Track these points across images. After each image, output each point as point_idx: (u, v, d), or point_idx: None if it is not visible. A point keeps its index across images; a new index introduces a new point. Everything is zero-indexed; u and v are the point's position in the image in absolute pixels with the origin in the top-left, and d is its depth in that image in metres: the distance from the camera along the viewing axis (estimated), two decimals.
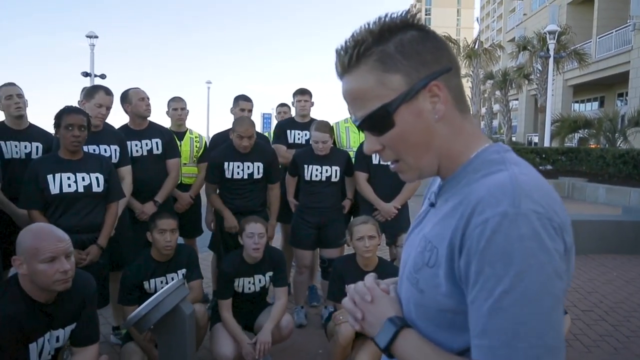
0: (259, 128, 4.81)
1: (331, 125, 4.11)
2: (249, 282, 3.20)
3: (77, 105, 3.24)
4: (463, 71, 27.45)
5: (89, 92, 3.40)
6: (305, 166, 3.88)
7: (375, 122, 0.85)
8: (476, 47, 25.08)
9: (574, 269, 0.83)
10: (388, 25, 0.83)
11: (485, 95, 36.63)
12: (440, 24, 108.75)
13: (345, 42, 0.85)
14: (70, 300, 2.05)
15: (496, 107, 34.99)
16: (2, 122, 3.40)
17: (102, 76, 20.56)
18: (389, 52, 0.82)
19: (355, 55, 0.83)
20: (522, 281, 0.71)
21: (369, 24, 0.84)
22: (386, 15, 0.84)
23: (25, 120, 3.45)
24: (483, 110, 33.95)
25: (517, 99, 36.60)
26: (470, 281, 0.75)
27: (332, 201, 3.93)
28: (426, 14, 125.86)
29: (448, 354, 0.82)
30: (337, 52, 0.87)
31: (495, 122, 41.93)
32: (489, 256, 0.73)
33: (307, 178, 3.87)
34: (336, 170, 3.86)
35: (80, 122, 2.87)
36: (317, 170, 3.86)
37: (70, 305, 2.06)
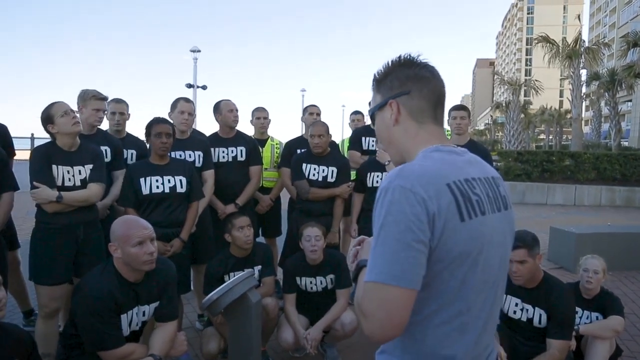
0: (349, 133, 5.08)
1: None
2: (311, 282, 3.44)
3: (167, 117, 3.69)
4: (565, 72, 25.65)
5: (173, 104, 3.87)
6: (368, 174, 4.06)
7: (372, 120, 1.36)
8: (577, 46, 23.37)
9: (486, 228, 1.15)
10: (395, 64, 1.29)
11: (592, 97, 34.02)
12: (544, 22, 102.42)
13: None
14: (154, 282, 2.46)
15: (606, 110, 32.36)
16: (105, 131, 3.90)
17: (204, 87, 22.04)
18: (380, 80, 1.31)
19: (373, 86, 1.34)
20: (383, 230, 1.08)
21: (386, 64, 1.31)
22: (397, 58, 1.30)
23: (123, 132, 3.96)
24: (589, 113, 31.56)
25: (630, 100, 33.57)
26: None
27: None
28: (529, 13, 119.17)
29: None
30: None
31: (606, 126, 38.78)
32: (374, 215, 1.12)
33: (369, 184, 4.04)
34: None
35: (167, 130, 3.30)
36: (377, 176, 4.01)
37: (153, 285, 2.46)
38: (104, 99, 3.56)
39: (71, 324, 2.33)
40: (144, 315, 2.45)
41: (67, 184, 2.97)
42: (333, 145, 4.56)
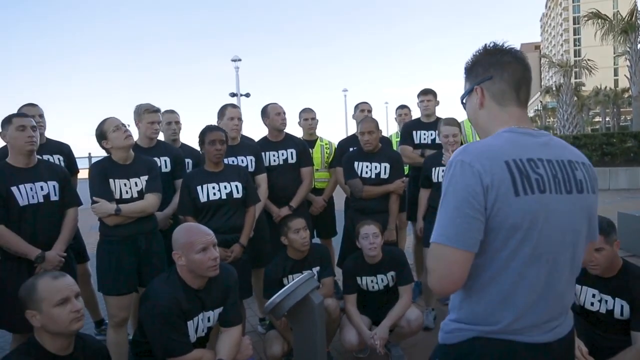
0: (396, 130, 4.98)
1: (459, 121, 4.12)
2: (372, 281, 3.38)
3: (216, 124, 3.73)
4: (620, 49, 24.29)
5: (220, 112, 3.93)
6: (433, 169, 3.95)
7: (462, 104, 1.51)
8: (634, 19, 22.00)
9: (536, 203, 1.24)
10: (480, 53, 1.42)
11: None
12: None
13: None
14: (217, 288, 2.47)
15: None
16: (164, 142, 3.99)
17: (247, 95, 22.40)
18: (469, 69, 1.45)
19: (464, 74, 1.49)
20: (445, 199, 1.27)
21: (475, 53, 1.45)
22: (483, 47, 1.43)
23: (179, 141, 4.06)
24: None
25: None
26: None
27: None
28: None
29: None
30: None
31: None
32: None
33: (435, 180, 3.93)
34: None
35: (220, 137, 3.33)
36: (443, 171, 3.87)
37: (217, 291, 2.47)
38: (157, 110, 3.64)
39: (140, 332, 2.38)
40: (209, 321, 2.47)
41: (124, 196, 3.05)
42: (384, 140, 4.46)
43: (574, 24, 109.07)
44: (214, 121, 3.89)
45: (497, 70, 1.37)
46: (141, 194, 3.10)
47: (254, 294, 3.76)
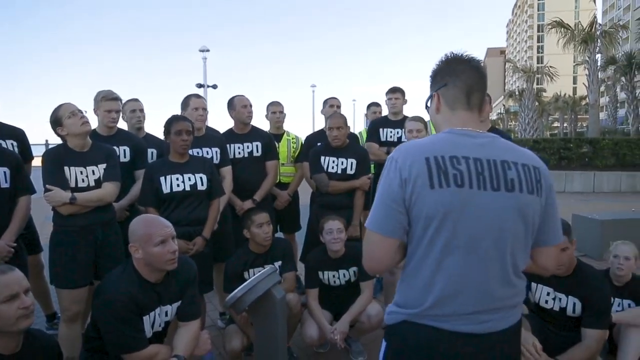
0: (362, 127, 4.94)
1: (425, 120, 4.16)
2: (334, 276, 3.38)
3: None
4: (580, 58, 25.20)
5: (184, 102, 3.84)
6: None
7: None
8: (593, 30, 22.88)
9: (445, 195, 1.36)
10: (441, 62, 1.55)
11: (608, 82, 33.43)
12: (556, 8, 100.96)
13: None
14: (175, 281, 2.40)
15: (622, 95, 31.77)
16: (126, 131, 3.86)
17: (214, 86, 22.12)
18: (431, 77, 1.58)
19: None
20: (377, 191, 1.44)
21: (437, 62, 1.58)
22: (443, 56, 1.55)
23: (143, 131, 3.93)
24: (605, 99, 31.06)
25: None
26: None
27: None
28: None
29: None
30: None
31: (622, 112, 38.05)
32: None
33: None
34: None
35: (187, 127, 3.25)
36: None
37: (175, 285, 2.40)
38: (116, 98, 3.51)
39: (93, 327, 2.29)
40: (166, 315, 2.40)
41: (81, 185, 2.93)
42: (352, 137, 4.47)
43: (538, 31, 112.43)
44: (179, 112, 3.80)
45: (452, 77, 1.50)
46: (98, 183, 2.99)
47: (215, 288, 3.71)
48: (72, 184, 2.90)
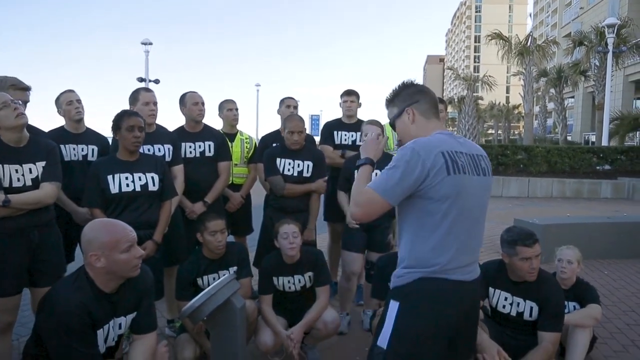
0: (307, 129, 4.76)
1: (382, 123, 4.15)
2: (289, 282, 3.28)
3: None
4: (514, 69, 26.50)
5: (133, 96, 3.61)
6: (355, 171, 3.87)
7: (392, 126, 2.05)
8: (528, 44, 24.21)
9: (468, 184, 1.85)
10: (394, 90, 2.03)
11: (539, 93, 35.35)
12: (491, 21, 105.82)
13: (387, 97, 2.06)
14: (131, 291, 2.20)
15: (551, 105, 33.70)
16: (62, 127, 3.56)
17: (156, 81, 21.40)
18: (392, 99, 2.02)
19: (387, 104, 2.06)
20: (392, 169, 1.80)
21: (395, 88, 2.04)
22: (402, 83, 2.04)
23: (83, 125, 3.62)
24: (536, 109, 32.75)
25: (573, 97, 35.14)
26: None
27: None
28: (477, 11, 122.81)
29: (360, 181, 1.96)
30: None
31: (550, 121, 40.36)
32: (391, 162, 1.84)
33: None
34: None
35: (140, 123, 3.05)
36: None
37: (131, 295, 2.20)
38: (25, 89, 3.09)
39: (34, 343, 2.05)
40: (120, 328, 2.20)
41: (16, 184, 2.61)
42: (309, 139, 4.39)
43: (475, 42, 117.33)
44: (118, 106, 3.56)
45: (421, 95, 1.96)
46: (36, 183, 2.67)
47: (165, 294, 3.51)
48: (6, 184, 2.58)
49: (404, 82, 2.01)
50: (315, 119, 25.80)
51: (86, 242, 2.06)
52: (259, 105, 44.07)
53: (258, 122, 39.05)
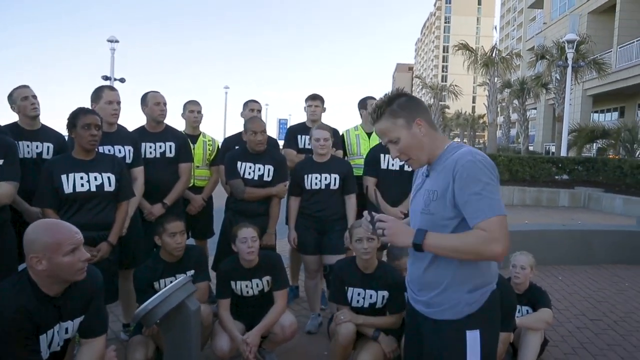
0: (274, 133, 4.72)
1: (333, 127, 4.18)
2: (247, 286, 3.25)
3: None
4: (480, 79, 27.17)
5: (95, 94, 3.51)
6: (305, 176, 3.89)
7: (395, 141, 1.83)
8: (493, 55, 24.90)
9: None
10: (391, 96, 1.84)
11: (503, 104, 36.32)
12: (460, 32, 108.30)
13: (374, 106, 1.86)
14: (78, 294, 2.12)
15: (514, 116, 34.67)
16: (16, 122, 3.45)
17: (122, 80, 20.98)
18: (394, 109, 1.81)
19: (378, 114, 1.84)
20: (489, 185, 1.66)
21: (384, 96, 1.86)
22: (390, 92, 1.87)
23: (39, 121, 3.52)
24: (500, 119, 33.63)
25: (535, 108, 36.23)
26: (460, 192, 1.68)
27: (333, 209, 3.92)
28: (446, 22, 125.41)
29: (459, 234, 1.71)
30: (370, 113, 1.88)
31: (514, 131, 41.47)
32: (470, 179, 1.67)
33: (308, 187, 3.88)
34: (335, 178, 3.87)
35: (96, 121, 2.98)
36: (316, 178, 3.87)
37: (78, 298, 2.13)
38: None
39: None
40: (66, 332, 2.12)
41: None
42: (271, 142, 4.38)
43: (444, 52, 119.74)
44: (82, 105, 3.45)
45: (423, 106, 1.87)
46: None
47: (120, 297, 3.43)
48: None
49: (398, 91, 1.87)
50: (283, 123, 25.76)
51: (28, 243, 1.97)
52: (227, 107, 43.72)
53: (226, 124, 38.72)
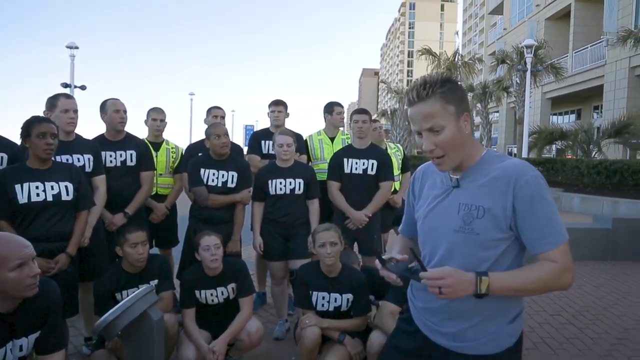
0: (241, 139, 4.71)
1: (297, 133, 4.21)
2: (211, 295, 3.22)
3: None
4: None
5: (51, 102, 3.41)
6: (270, 181, 3.89)
7: (438, 130, 1.48)
8: (456, 60, 25.48)
9: None
10: (444, 77, 1.50)
11: None
12: (424, 37, 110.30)
13: (423, 82, 1.48)
14: (33, 309, 2.03)
15: (477, 119, 35.48)
16: None
17: (83, 87, 20.44)
18: (447, 92, 1.47)
19: (428, 92, 1.47)
20: (552, 205, 1.46)
21: (435, 74, 1.51)
22: (441, 74, 1.53)
23: None
24: None
25: (497, 111, 37.13)
26: (525, 213, 1.44)
27: (298, 214, 3.93)
28: (410, 28, 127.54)
29: (522, 267, 1.51)
30: (416, 86, 1.49)
31: (477, 134, 42.41)
32: (537, 199, 1.44)
33: (272, 192, 3.89)
34: (300, 183, 3.89)
35: (52, 130, 2.90)
36: (281, 183, 3.87)
37: (33, 313, 2.04)
38: None
39: None
40: (20, 350, 2.02)
41: None
42: (235, 148, 4.37)
43: (409, 57, 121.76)
44: (37, 113, 3.35)
45: (468, 103, 1.59)
46: None
47: (81, 310, 3.34)
48: None
49: (450, 77, 1.54)
50: (250, 129, 25.64)
51: None
52: (192, 114, 43.13)
53: (192, 131, 38.21)
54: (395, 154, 5.19)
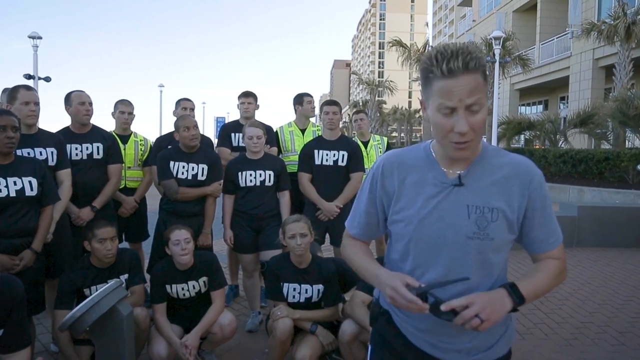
0: (212, 131, 4.65)
1: (267, 125, 4.19)
2: (182, 289, 3.19)
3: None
4: (414, 75, 27.96)
5: (11, 94, 3.31)
6: (239, 173, 3.87)
7: (477, 109, 1.27)
8: (426, 51, 25.71)
9: None
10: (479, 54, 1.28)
11: None
12: (394, 28, 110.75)
13: (467, 51, 1.24)
14: None
15: None
16: None
17: (47, 79, 19.79)
18: (485, 70, 1.28)
19: (476, 64, 1.24)
20: (551, 206, 1.41)
21: (477, 50, 1.29)
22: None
23: None
24: None
25: None
26: (536, 213, 1.38)
27: (268, 206, 3.92)
28: (381, 19, 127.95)
29: (533, 270, 1.43)
30: (461, 55, 1.24)
31: None
32: (547, 198, 1.40)
33: (242, 184, 3.87)
34: (270, 175, 3.88)
35: (13, 123, 2.81)
36: (251, 175, 3.86)
37: None
38: None
39: None
40: None
41: None
42: (205, 141, 4.31)
43: (380, 48, 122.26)
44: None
45: None
46: None
47: (48, 307, 3.27)
48: None
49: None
50: (220, 121, 25.38)
51: None
52: (162, 106, 42.36)
53: (162, 123, 37.59)
54: (376, 146, 5.19)
